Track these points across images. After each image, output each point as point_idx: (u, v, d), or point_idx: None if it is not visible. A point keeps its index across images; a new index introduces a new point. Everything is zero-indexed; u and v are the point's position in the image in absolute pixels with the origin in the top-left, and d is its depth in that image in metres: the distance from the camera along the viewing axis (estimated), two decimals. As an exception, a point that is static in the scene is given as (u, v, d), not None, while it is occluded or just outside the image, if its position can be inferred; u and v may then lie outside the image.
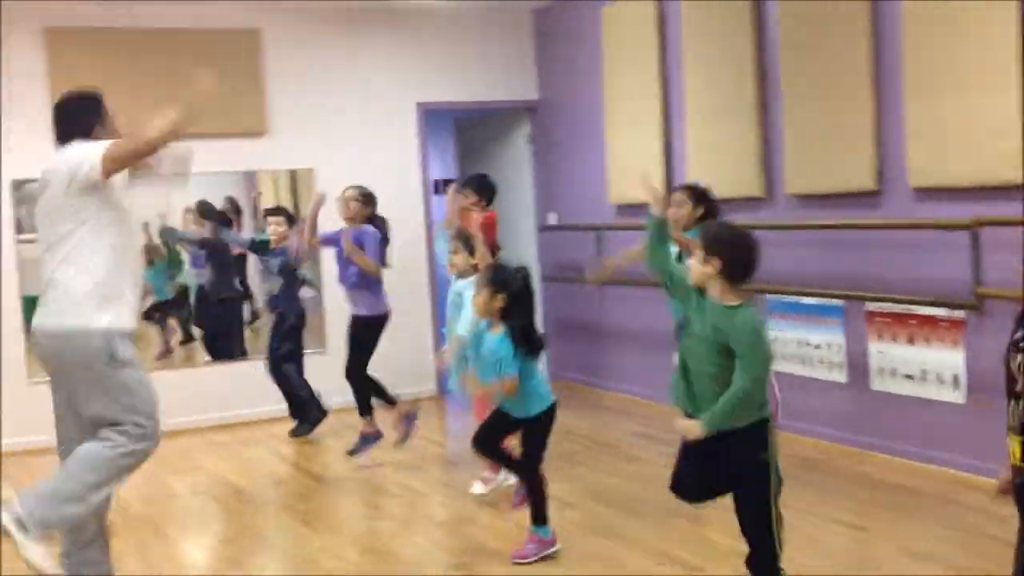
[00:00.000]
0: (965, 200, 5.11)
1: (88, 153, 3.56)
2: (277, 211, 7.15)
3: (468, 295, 4.98)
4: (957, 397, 5.25)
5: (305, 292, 7.23)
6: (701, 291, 3.52)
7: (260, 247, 7.13)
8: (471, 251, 5.28)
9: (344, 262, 6.25)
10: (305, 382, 7.01)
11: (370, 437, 6.23)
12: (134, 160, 3.59)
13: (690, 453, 3.60)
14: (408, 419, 6.23)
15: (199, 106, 3.54)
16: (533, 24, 8.59)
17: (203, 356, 7.77)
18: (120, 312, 3.62)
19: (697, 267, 3.48)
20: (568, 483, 5.47)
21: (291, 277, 6.94)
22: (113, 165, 3.54)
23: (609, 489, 5.42)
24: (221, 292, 7.75)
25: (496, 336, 4.40)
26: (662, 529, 4.75)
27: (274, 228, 6.93)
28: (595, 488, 5.45)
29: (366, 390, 6.23)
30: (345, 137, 7.93)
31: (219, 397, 7.52)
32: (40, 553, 3.34)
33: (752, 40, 6.30)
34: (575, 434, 6.58)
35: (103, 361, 3.54)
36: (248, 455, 6.71)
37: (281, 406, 7.17)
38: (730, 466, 3.49)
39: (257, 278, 7.24)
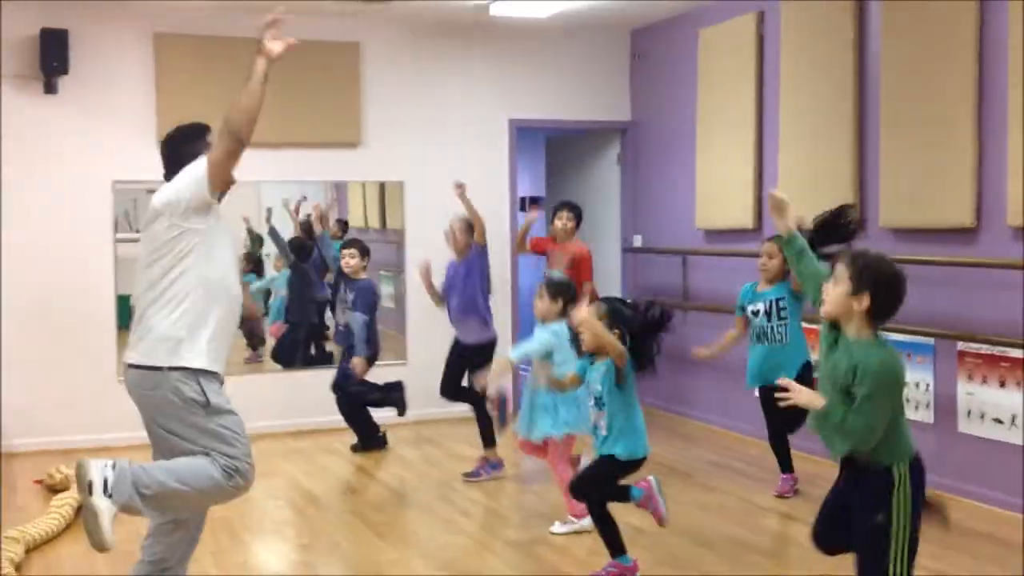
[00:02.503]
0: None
1: (193, 170, 3.49)
2: (351, 243, 6.94)
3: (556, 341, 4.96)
4: (1050, 445, 5.08)
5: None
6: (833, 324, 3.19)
7: (341, 278, 6.93)
8: (556, 298, 5.10)
9: (453, 289, 6.32)
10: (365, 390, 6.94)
11: (493, 464, 6.25)
12: (236, 155, 3.45)
13: (828, 499, 3.36)
14: (492, 466, 6.26)
15: (263, 70, 3.44)
16: (630, 44, 8.57)
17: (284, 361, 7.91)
18: (200, 352, 3.49)
19: (841, 298, 3.12)
20: (642, 512, 5.41)
21: (370, 312, 6.74)
22: (220, 171, 3.44)
23: (683, 519, 5.34)
24: (308, 295, 7.88)
25: (595, 366, 4.35)
26: (736, 563, 4.68)
27: (347, 260, 6.77)
28: (670, 518, 5.38)
29: (482, 415, 6.19)
30: (436, 151, 8.01)
31: (299, 403, 7.62)
32: (107, 513, 3.26)
33: (852, 69, 6.20)
34: (652, 461, 6.43)
35: (178, 404, 3.45)
36: (325, 462, 6.79)
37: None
38: (850, 520, 3.20)
39: (335, 305, 7.11)
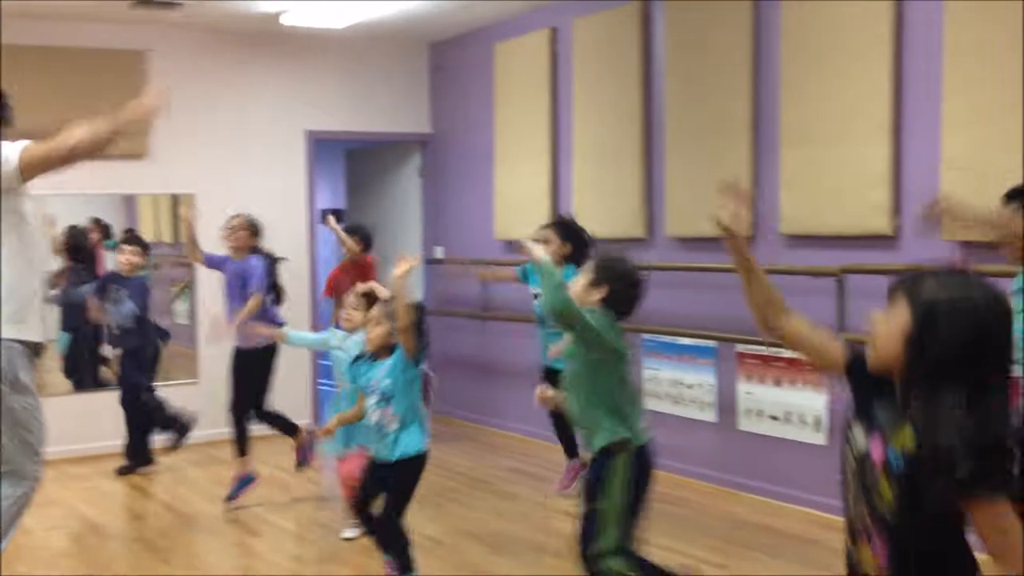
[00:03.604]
0: (833, 248, 5.26)
1: (7, 153, 3.41)
2: (132, 240, 6.78)
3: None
4: (819, 439, 5.37)
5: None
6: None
7: (111, 278, 6.71)
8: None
9: (233, 293, 6.04)
10: (161, 405, 6.72)
11: (244, 479, 5.99)
12: (54, 166, 3.44)
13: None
14: (306, 448, 6.06)
15: (132, 123, 3.38)
16: (428, 57, 8.61)
17: (63, 384, 7.44)
18: (28, 323, 3.44)
19: (582, 289, 3.45)
20: (440, 521, 5.41)
21: (145, 308, 6.62)
22: (31, 169, 3.41)
23: (480, 526, 5.38)
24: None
25: (381, 363, 4.33)
26: (532, 567, 4.73)
27: (127, 257, 6.59)
28: (467, 526, 5.41)
29: (245, 429, 5.97)
30: (229, 162, 7.80)
31: (76, 428, 7.17)
32: None
33: (640, 86, 6.42)
34: (451, 470, 6.54)
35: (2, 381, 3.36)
36: (107, 488, 6.46)
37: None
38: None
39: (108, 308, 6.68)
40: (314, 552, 5.16)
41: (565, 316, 3.36)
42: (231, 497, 5.90)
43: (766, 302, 2.37)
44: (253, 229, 6.13)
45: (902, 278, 1.94)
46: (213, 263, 6.28)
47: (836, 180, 5.22)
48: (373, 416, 4.28)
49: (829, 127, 5.24)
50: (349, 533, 5.14)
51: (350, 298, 5.02)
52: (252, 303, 5.88)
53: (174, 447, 6.68)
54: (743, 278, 2.45)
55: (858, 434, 1.99)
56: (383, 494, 4.25)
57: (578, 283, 3.47)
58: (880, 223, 5.01)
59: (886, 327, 1.93)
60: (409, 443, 4.24)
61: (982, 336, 1.80)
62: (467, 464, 6.78)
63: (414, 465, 4.27)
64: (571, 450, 5.85)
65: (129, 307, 6.56)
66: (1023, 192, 3.76)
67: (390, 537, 4.23)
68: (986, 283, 1.88)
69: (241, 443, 5.95)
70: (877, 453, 1.92)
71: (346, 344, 5.03)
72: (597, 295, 3.42)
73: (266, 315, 6.00)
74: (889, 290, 1.94)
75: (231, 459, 6.00)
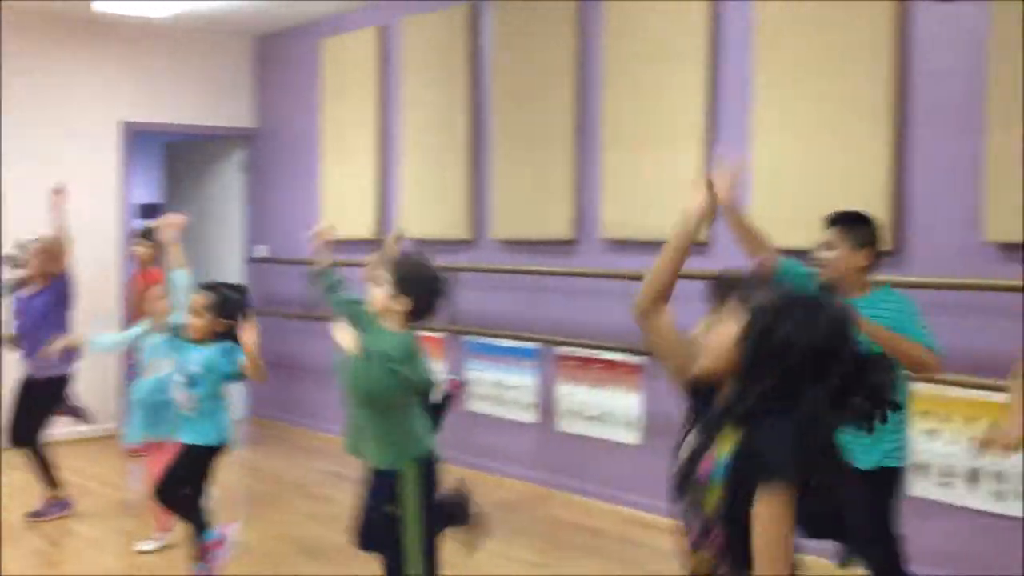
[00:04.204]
0: (650, 253, 5.35)
1: None
2: None
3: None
4: (634, 439, 5.50)
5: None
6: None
7: None
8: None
9: (24, 313, 5.55)
10: None
11: (60, 504, 5.64)
12: None
13: (362, 503, 3.54)
14: (60, 505, 5.63)
15: None
16: (253, 51, 8.39)
17: None
18: None
19: (382, 299, 3.35)
20: (253, 526, 5.26)
21: None
22: None
23: (293, 530, 5.27)
24: None
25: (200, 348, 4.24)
26: (345, 571, 4.65)
27: None
28: (281, 530, 5.28)
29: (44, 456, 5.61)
30: (35, 153, 7.35)
31: None
32: None
33: (467, 89, 6.43)
34: (264, 473, 6.39)
35: None
36: None
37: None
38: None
39: None
40: (120, 562, 4.93)
41: (351, 318, 3.36)
42: (38, 514, 5.55)
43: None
44: (49, 252, 5.56)
45: (724, 283, 1.98)
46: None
47: (653, 188, 5.36)
48: (175, 395, 4.28)
49: (647, 132, 5.38)
50: (147, 546, 4.93)
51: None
52: (76, 337, 5.50)
53: None
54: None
55: (691, 443, 2.02)
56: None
57: (379, 294, 3.36)
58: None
59: (718, 334, 1.94)
60: (203, 432, 4.25)
61: (815, 339, 1.83)
62: (281, 467, 6.63)
63: (205, 455, 4.28)
64: None
65: None
66: (846, 217, 3.55)
67: (183, 507, 4.29)
68: (810, 287, 1.95)
69: (46, 472, 5.59)
70: (706, 461, 1.95)
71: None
72: (400, 306, 3.33)
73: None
74: (711, 295, 1.98)
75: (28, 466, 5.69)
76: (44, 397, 5.58)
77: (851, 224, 3.50)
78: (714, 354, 1.96)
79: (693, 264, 5.04)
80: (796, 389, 1.83)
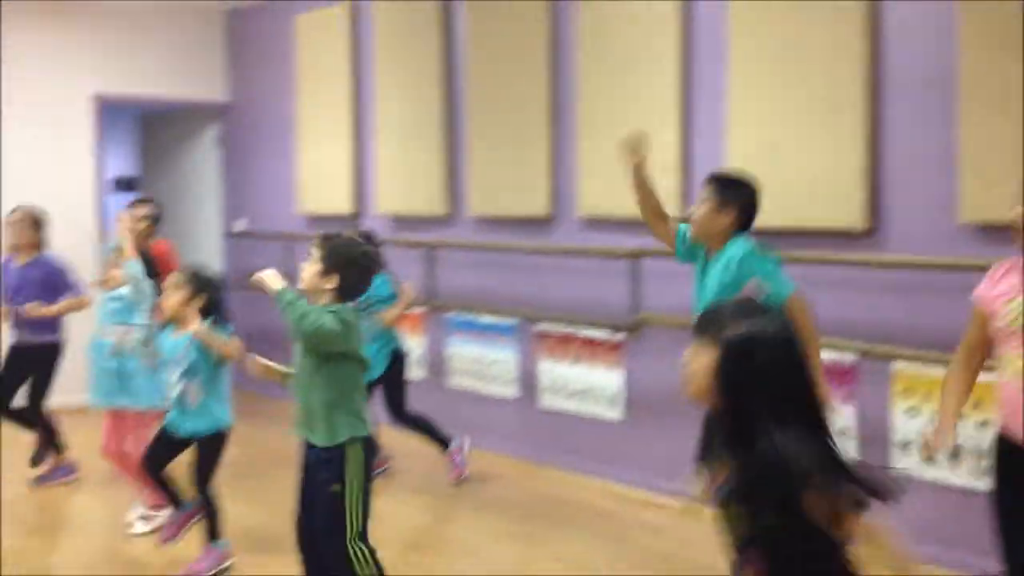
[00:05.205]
0: (628, 231, 5.48)
1: None
2: None
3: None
4: (615, 414, 5.61)
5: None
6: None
7: None
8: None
9: (15, 299, 5.54)
10: None
11: (65, 469, 5.79)
12: None
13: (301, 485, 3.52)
14: (63, 471, 5.77)
15: None
16: (225, 24, 8.36)
17: None
18: None
19: (312, 277, 3.35)
20: (244, 497, 5.34)
21: None
22: None
23: (285, 502, 5.32)
24: None
25: (184, 335, 4.25)
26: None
27: None
28: (271, 502, 5.35)
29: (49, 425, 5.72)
30: (9, 127, 7.33)
31: None
32: None
33: (440, 66, 6.46)
34: (254, 446, 6.44)
35: None
36: None
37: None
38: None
39: None
40: (104, 529, 4.98)
41: (321, 343, 3.30)
42: (43, 479, 5.72)
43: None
44: (35, 224, 5.62)
45: (705, 316, 2.06)
46: None
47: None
48: (175, 388, 4.27)
49: (623, 119, 5.41)
50: (141, 528, 4.92)
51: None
52: (76, 303, 5.53)
53: None
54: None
55: (704, 473, 2.12)
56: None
57: (307, 271, 3.36)
58: (670, 209, 5.22)
59: (695, 366, 2.02)
60: (210, 420, 4.30)
61: (779, 362, 1.96)
62: (267, 439, 6.68)
63: (214, 441, 4.34)
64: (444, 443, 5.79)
65: None
66: (721, 177, 3.87)
67: (210, 504, 4.32)
68: (775, 313, 2.08)
69: (51, 438, 5.71)
70: (714, 487, 2.07)
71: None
72: (329, 284, 3.34)
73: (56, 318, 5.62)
74: (694, 328, 2.07)
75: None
76: (38, 364, 5.63)
77: (723, 183, 3.80)
78: (693, 384, 2.05)
79: (535, 239, 5.19)
80: (781, 406, 1.94)
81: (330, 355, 3.35)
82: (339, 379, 3.39)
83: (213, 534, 4.36)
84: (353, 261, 3.37)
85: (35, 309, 5.40)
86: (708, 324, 2.03)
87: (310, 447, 3.44)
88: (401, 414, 5.70)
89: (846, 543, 1.98)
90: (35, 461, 5.79)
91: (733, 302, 2.13)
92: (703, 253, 3.89)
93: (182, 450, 4.40)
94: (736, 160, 4.94)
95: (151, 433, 4.86)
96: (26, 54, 7.45)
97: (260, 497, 5.47)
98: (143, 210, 5.83)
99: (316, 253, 3.36)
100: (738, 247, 3.68)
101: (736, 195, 3.75)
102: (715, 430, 2.06)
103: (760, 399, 1.94)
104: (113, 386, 4.94)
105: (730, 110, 4.98)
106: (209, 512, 4.35)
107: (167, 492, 4.48)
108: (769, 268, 3.66)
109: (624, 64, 5.42)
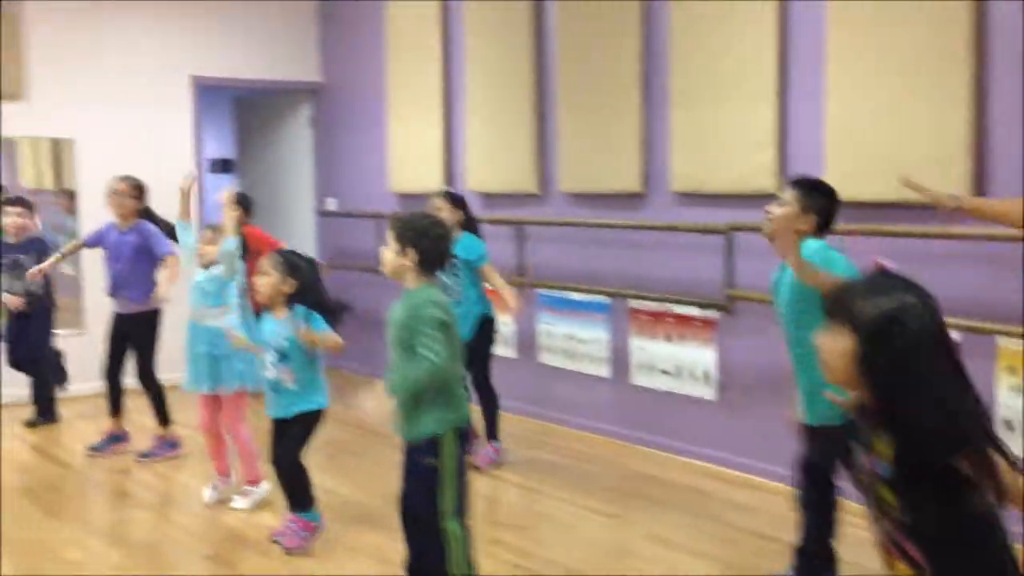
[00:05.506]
0: (722, 206, 5.39)
1: None
2: (15, 201, 6.50)
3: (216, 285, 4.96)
4: (708, 393, 5.54)
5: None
6: None
7: (6, 250, 6.39)
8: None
9: (120, 262, 5.76)
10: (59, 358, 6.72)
11: (115, 436, 6.00)
12: None
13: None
14: (169, 445, 5.92)
15: None
16: (318, 6, 8.44)
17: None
18: None
19: (392, 258, 3.38)
20: (337, 473, 5.42)
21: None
22: None
23: (382, 482, 5.39)
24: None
25: (279, 320, 4.30)
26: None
27: (13, 220, 6.35)
28: (365, 478, 5.42)
29: (118, 389, 5.96)
30: (111, 108, 7.54)
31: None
32: None
33: (531, 43, 6.42)
34: (347, 424, 6.52)
35: None
36: (-10, 442, 6.28)
37: (24, 391, 6.76)
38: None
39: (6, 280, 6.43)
40: (200, 508, 5.10)
41: (437, 379, 3.28)
42: (96, 448, 5.92)
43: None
44: (136, 191, 5.83)
45: (836, 300, 1.97)
46: (94, 242, 6.01)
47: (724, 140, 5.33)
48: (270, 372, 4.29)
49: (717, 89, 5.33)
50: (241, 503, 4.98)
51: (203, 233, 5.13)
52: (174, 265, 5.65)
53: (60, 383, 6.71)
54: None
55: (858, 453, 2.04)
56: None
57: (386, 254, 3.38)
58: (767, 182, 5.14)
59: (831, 353, 1.95)
60: (305, 401, 4.35)
61: (921, 334, 1.87)
62: (360, 418, 6.76)
63: (311, 418, 4.39)
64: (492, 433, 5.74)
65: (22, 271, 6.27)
66: (806, 182, 3.72)
67: (291, 475, 4.36)
68: (907, 280, 1.96)
69: (115, 402, 5.95)
70: (871, 466, 1.99)
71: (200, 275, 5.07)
72: (408, 260, 3.34)
73: (147, 279, 5.75)
74: (826, 312, 1.99)
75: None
76: (138, 333, 5.81)
77: (809, 189, 3.68)
78: (831, 370, 1.97)
79: (628, 215, 5.07)
80: (930, 377, 1.86)
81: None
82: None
83: (303, 504, 4.40)
84: (424, 233, 3.37)
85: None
86: (840, 307, 1.93)
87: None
88: (482, 383, 5.60)
89: (1001, 510, 1.91)
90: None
91: (862, 280, 2.01)
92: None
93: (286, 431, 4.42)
94: (835, 133, 4.81)
95: (243, 411, 4.99)
96: (128, 37, 7.63)
97: (358, 474, 5.54)
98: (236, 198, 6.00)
99: (390, 235, 3.38)
100: (811, 246, 3.59)
101: (818, 202, 3.66)
102: (864, 415, 1.97)
103: (907, 376, 1.85)
104: (206, 371, 4.98)
105: (828, 79, 4.84)
106: (300, 482, 4.39)
107: (301, 487, 4.47)
108: (843, 264, 3.56)
109: (717, 30, 5.31)
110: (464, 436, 3.46)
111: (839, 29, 4.79)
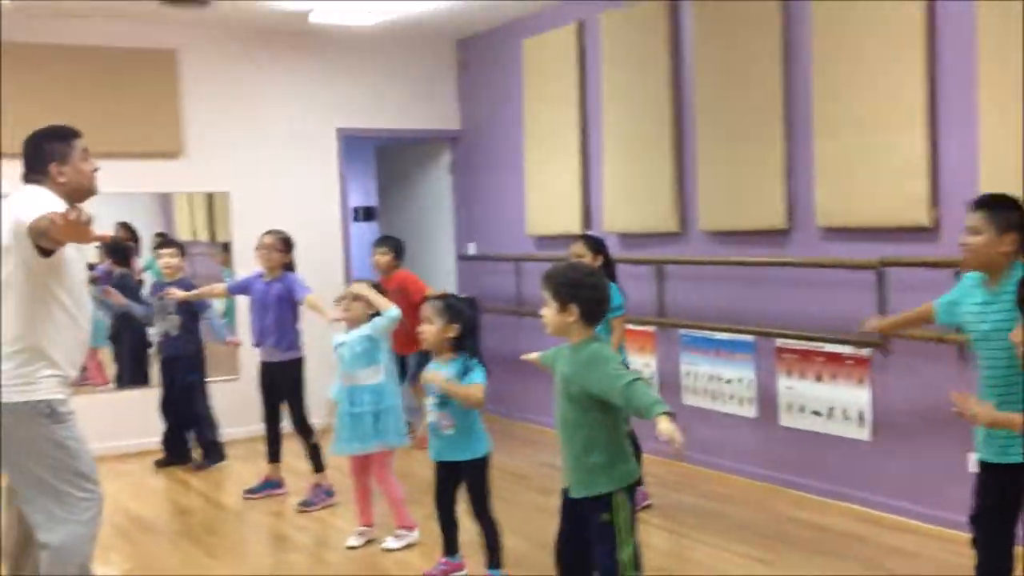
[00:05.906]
0: (872, 240, 5.23)
1: (23, 214, 3.34)
2: (168, 243, 6.89)
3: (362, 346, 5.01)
4: (862, 434, 5.35)
5: (210, 319, 7.00)
6: None
7: (159, 288, 6.79)
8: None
9: (260, 312, 5.98)
10: (210, 419, 6.96)
11: (271, 483, 6.18)
12: (48, 242, 3.31)
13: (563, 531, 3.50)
14: (325, 492, 6.01)
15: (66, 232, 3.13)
16: (456, 53, 8.61)
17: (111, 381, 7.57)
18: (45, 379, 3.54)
19: (554, 317, 3.30)
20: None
21: (189, 313, 6.75)
22: (38, 238, 3.29)
23: (522, 522, 5.39)
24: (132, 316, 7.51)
25: (444, 365, 4.36)
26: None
27: (166, 261, 6.70)
28: (507, 521, 5.41)
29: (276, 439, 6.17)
30: (262, 161, 7.85)
31: (125, 424, 7.30)
32: None
33: (669, 80, 6.40)
34: (496, 467, 6.54)
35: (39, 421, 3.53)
36: (151, 484, 6.54)
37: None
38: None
39: (152, 317, 6.91)
40: (352, 552, 5.18)
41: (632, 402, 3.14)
42: (252, 492, 6.11)
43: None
44: (284, 245, 6.02)
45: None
46: (238, 289, 6.31)
47: (872, 171, 5.18)
48: (430, 416, 4.37)
49: (863, 117, 5.19)
50: (392, 544, 5.09)
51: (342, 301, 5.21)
52: (318, 300, 5.82)
53: (200, 467, 6.89)
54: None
55: None
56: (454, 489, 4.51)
57: (547, 314, 3.31)
58: (918, 215, 4.97)
59: (550, 313, 1.86)
60: (467, 448, 4.41)
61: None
62: (504, 459, 6.77)
63: (477, 468, 4.45)
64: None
65: (176, 318, 6.71)
66: (992, 201, 3.52)
67: (491, 532, 4.47)
68: None
69: (272, 450, 6.15)
70: None
71: (345, 337, 5.11)
72: (571, 316, 3.25)
73: (289, 328, 5.95)
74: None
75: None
76: (285, 381, 5.98)
77: (997, 208, 3.44)
78: None
79: (918, 251, 4.90)
80: None
81: (594, 403, 3.26)
82: (603, 426, 3.30)
83: (493, 562, 4.44)
84: (580, 284, 3.29)
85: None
86: None
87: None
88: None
89: None
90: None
91: None
92: (979, 287, 3.59)
93: (457, 477, 4.48)
94: (989, 159, 4.63)
95: (391, 463, 5.08)
96: (277, 91, 7.94)
97: (504, 517, 5.54)
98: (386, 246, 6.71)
99: (547, 294, 3.31)
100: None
101: (1013, 219, 3.43)
102: None
103: None
104: (356, 432, 5.02)
105: (980, 103, 4.66)
106: (491, 537, 4.44)
107: (449, 536, 4.58)
108: None
109: (862, 56, 5.18)
110: (633, 490, 3.39)
111: (989, 52, 4.62)
